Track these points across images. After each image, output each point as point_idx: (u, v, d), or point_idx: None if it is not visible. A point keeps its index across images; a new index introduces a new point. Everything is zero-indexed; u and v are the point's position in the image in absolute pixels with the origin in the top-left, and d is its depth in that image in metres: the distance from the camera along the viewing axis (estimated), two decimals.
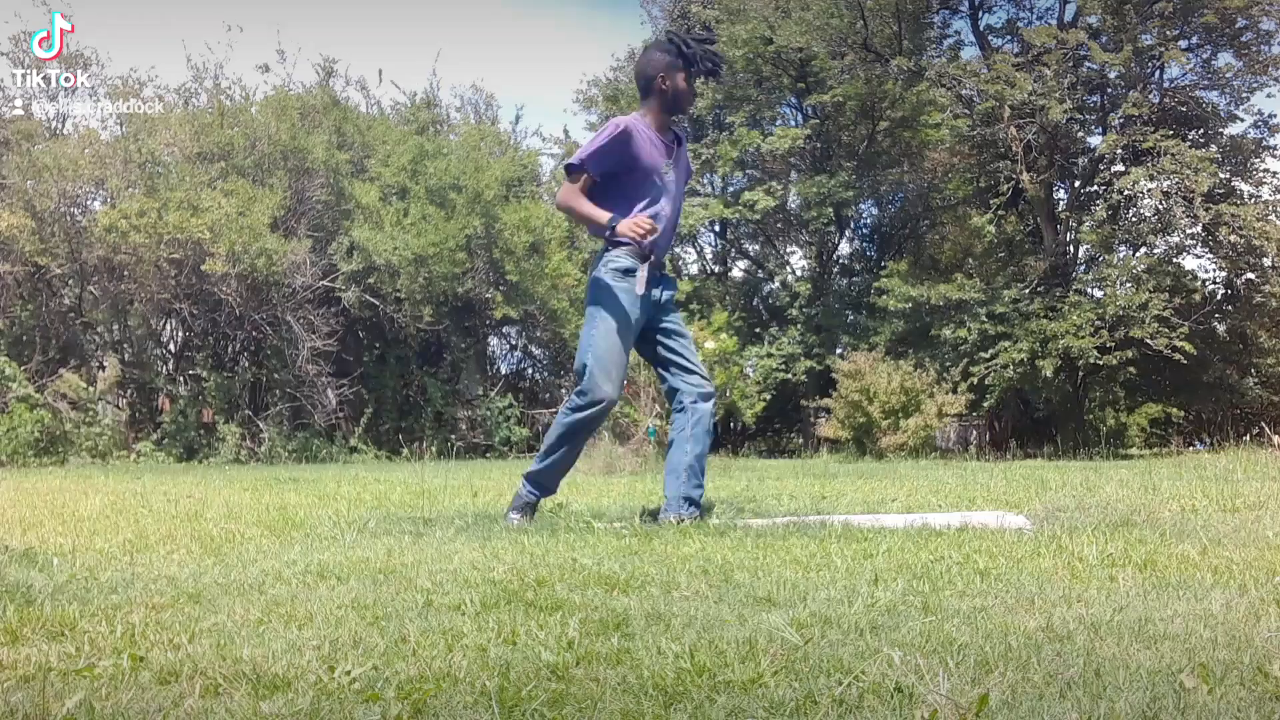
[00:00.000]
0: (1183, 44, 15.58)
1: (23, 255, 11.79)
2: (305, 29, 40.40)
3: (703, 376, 3.67)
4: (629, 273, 3.51)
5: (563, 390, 15.80)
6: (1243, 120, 16.51)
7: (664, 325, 3.66)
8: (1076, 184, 17.34)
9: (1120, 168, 15.99)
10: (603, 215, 3.49)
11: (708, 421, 3.62)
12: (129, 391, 13.00)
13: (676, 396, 3.64)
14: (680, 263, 21.50)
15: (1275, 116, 16.98)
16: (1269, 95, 24.57)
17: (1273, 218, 15.24)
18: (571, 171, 3.53)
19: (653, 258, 3.56)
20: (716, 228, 22.56)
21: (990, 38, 18.27)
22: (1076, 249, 17.42)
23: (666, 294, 3.67)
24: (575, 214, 3.59)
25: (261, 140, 12.94)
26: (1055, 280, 16.16)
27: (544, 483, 3.65)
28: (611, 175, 3.53)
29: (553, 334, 15.39)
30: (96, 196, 12.68)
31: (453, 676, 1.51)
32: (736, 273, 23.13)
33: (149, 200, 11.65)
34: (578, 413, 3.49)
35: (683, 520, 3.40)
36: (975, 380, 15.16)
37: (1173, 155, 14.46)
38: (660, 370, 3.72)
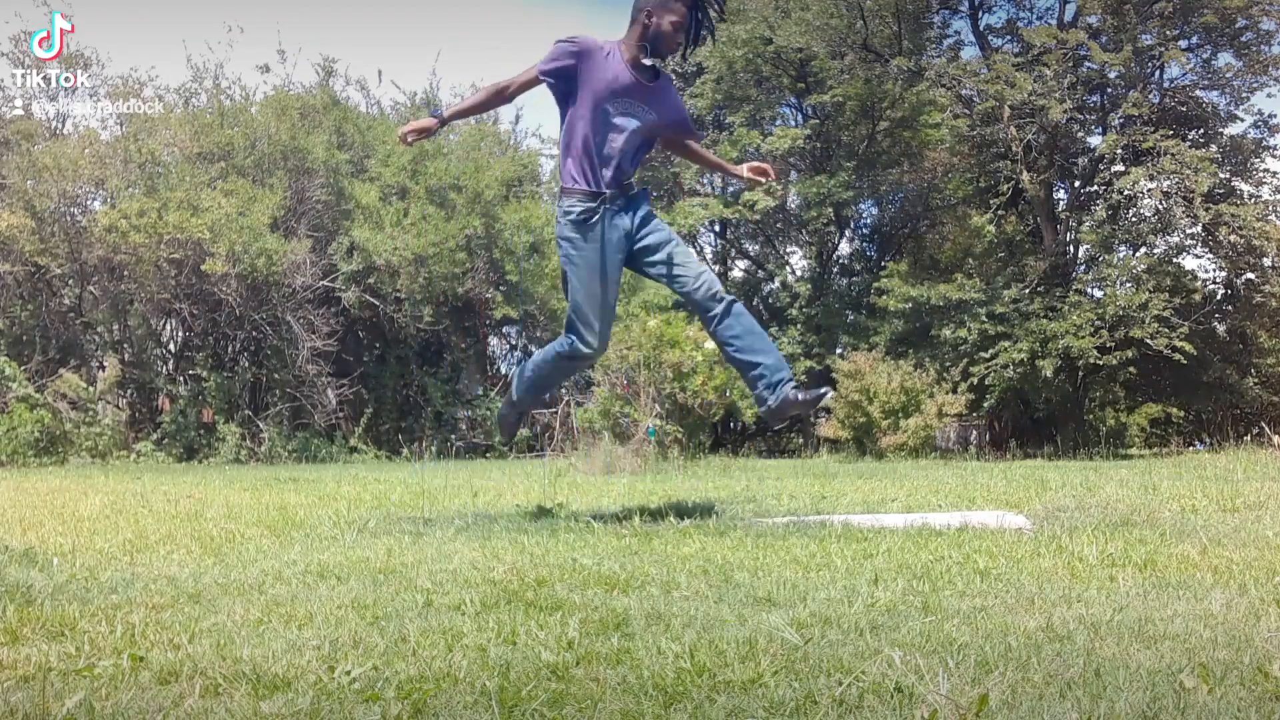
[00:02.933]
0: (1183, 44, 15.58)
1: (23, 255, 11.78)
2: (305, 29, 40.38)
3: (710, 279, 3.56)
4: (584, 222, 3.43)
5: (563, 390, 15.81)
6: (1243, 120, 16.52)
7: (647, 243, 3.55)
8: (1076, 184, 17.34)
9: (1120, 168, 15.98)
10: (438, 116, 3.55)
11: (740, 312, 3.55)
12: (129, 391, 13.00)
13: (699, 309, 3.57)
14: None
15: (1275, 116, 16.98)
16: (1269, 95, 24.54)
17: (1273, 218, 15.24)
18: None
19: (606, 195, 3.46)
20: (716, 228, 22.56)
21: (990, 38, 18.27)
22: (1076, 249, 17.42)
23: (639, 216, 3.56)
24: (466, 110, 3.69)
25: (261, 140, 12.94)
26: (1055, 280, 16.16)
27: (528, 398, 3.75)
28: (565, 95, 3.47)
29: (553, 334, 15.38)
30: (96, 196, 12.68)
31: (453, 676, 1.51)
32: (736, 273, 23.13)
33: (149, 200, 11.65)
34: (561, 359, 3.57)
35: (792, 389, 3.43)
36: (975, 380, 15.15)
37: (1173, 155, 14.46)
38: (673, 288, 3.61)
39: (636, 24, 3.46)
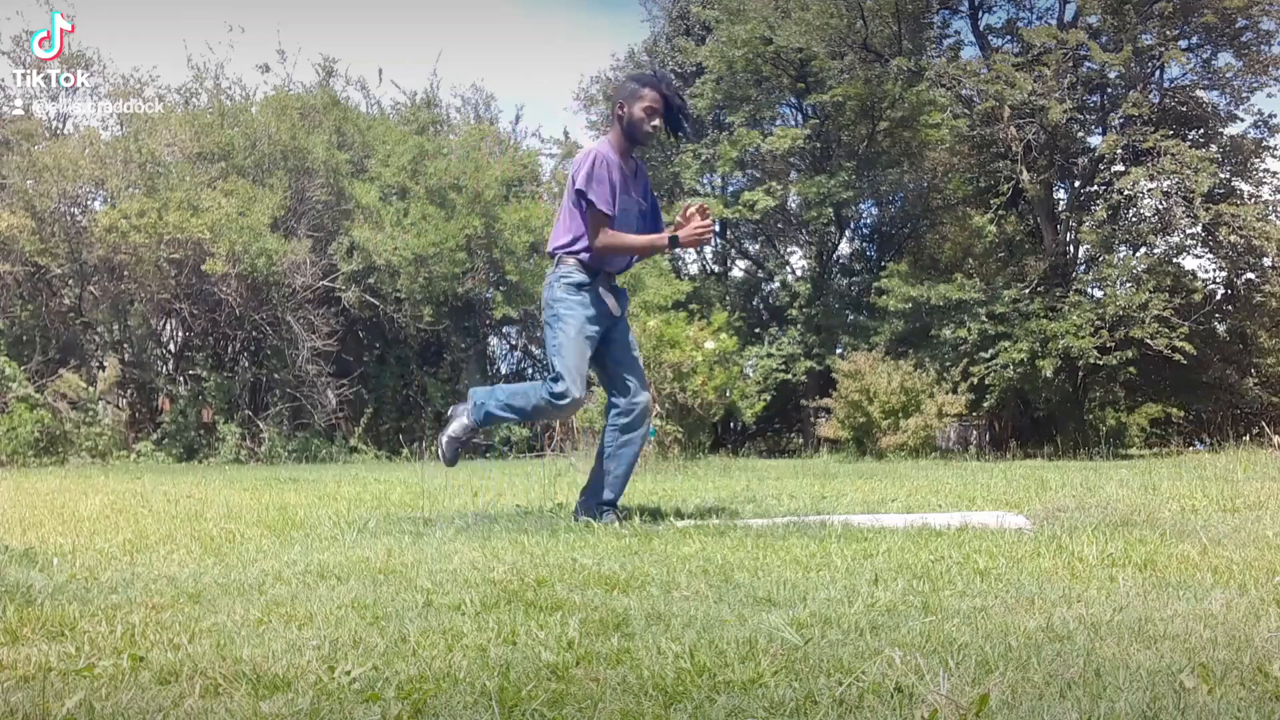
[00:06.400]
0: (1183, 44, 15.58)
1: (23, 255, 11.78)
2: (305, 29, 40.45)
3: (643, 388, 3.79)
4: (581, 286, 3.62)
5: None
6: (1243, 120, 16.52)
7: (616, 338, 3.76)
8: (1076, 184, 17.34)
9: (1120, 168, 15.98)
10: (660, 237, 3.64)
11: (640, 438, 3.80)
12: (129, 391, 13.00)
13: (616, 406, 3.75)
14: (680, 262, 21.50)
15: (1275, 116, 16.99)
16: (1269, 95, 24.57)
17: (1273, 218, 15.24)
18: (594, 209, 3.55)
19: (604, 275, 3.68)
20: (716, 228, 22.53)
21: (990, 38, 18.27)
22: (1076, 249, 17.41)
23: (623, 308, 3.81)
24: (631, 248, 3.66)
25: (261, 140, 12.94)
26: (1055, 280, 16.16)
27: (490, 425, 3.76)
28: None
29: None
30: (96, 196, 12.68)
31: (453, 676, 1.51)
32: (736, 273, 23.13)
33: (149, 200, 11.65)
34: (553, 399, 3.60)
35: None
36: (975, 380, 15.15)
37: (1173, 155, 14.46)
38: (605, 381, 3.84)
39: (614, 118, 3.71)
